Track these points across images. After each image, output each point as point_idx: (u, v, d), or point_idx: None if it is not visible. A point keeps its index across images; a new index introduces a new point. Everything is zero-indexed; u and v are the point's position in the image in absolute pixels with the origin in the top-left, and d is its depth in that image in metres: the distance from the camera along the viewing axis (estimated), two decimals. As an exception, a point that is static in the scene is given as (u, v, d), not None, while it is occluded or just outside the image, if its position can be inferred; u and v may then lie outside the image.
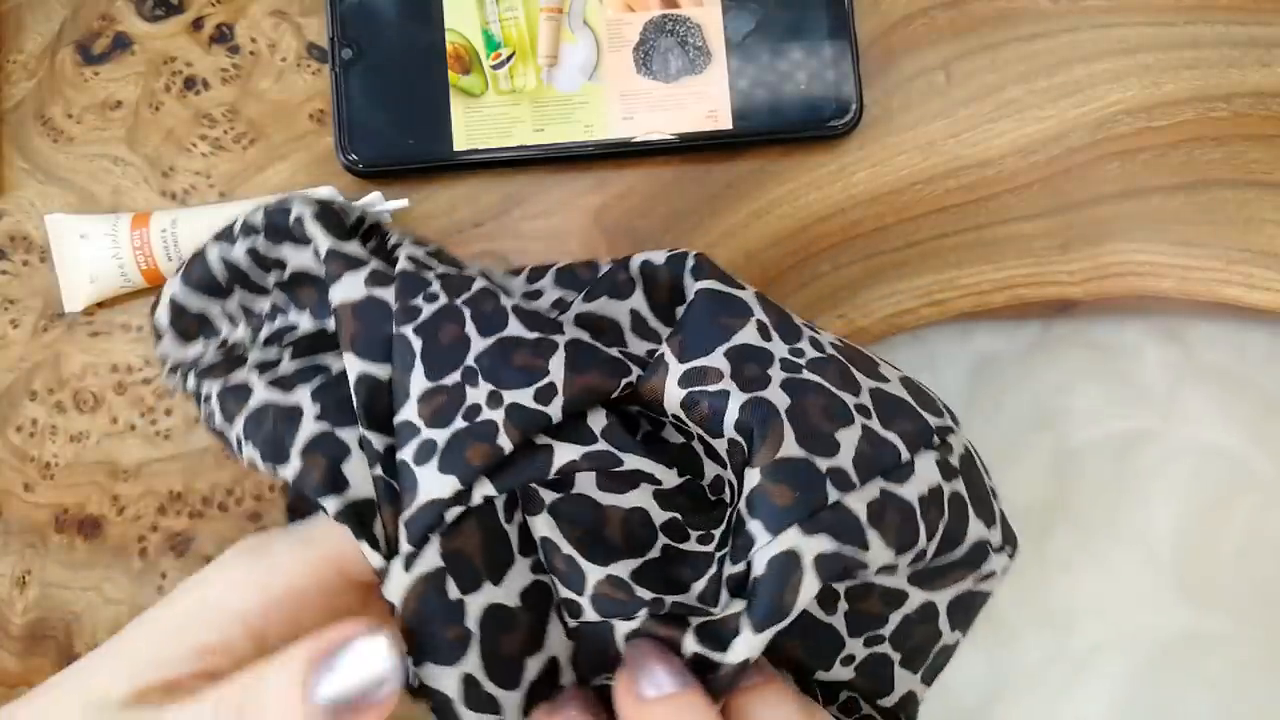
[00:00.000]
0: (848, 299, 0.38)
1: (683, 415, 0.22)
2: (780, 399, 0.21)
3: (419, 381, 0.22)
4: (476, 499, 0.21)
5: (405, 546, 0.21)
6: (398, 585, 0.20)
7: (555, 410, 0.21)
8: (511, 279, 0.27)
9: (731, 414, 0.21)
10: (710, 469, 0.24)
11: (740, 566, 0.21)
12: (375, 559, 0.21)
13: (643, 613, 0.21)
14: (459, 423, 0.21)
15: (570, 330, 0.24)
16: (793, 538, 0.20)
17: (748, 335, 0.23)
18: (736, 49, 0.37)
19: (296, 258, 0.24)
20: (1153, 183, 0.38)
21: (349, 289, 0.22)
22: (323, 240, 0.23)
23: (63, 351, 0.37)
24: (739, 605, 0.20)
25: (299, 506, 0.25)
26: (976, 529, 0.23)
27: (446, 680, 0.20)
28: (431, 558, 0.21)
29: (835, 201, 0.38)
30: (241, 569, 0.21)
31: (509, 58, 0.37)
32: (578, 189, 0.38)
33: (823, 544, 0.20)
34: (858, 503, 0.21)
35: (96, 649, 0.21)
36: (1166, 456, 0.40)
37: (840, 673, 0.24)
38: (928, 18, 0.38)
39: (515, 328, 0.23)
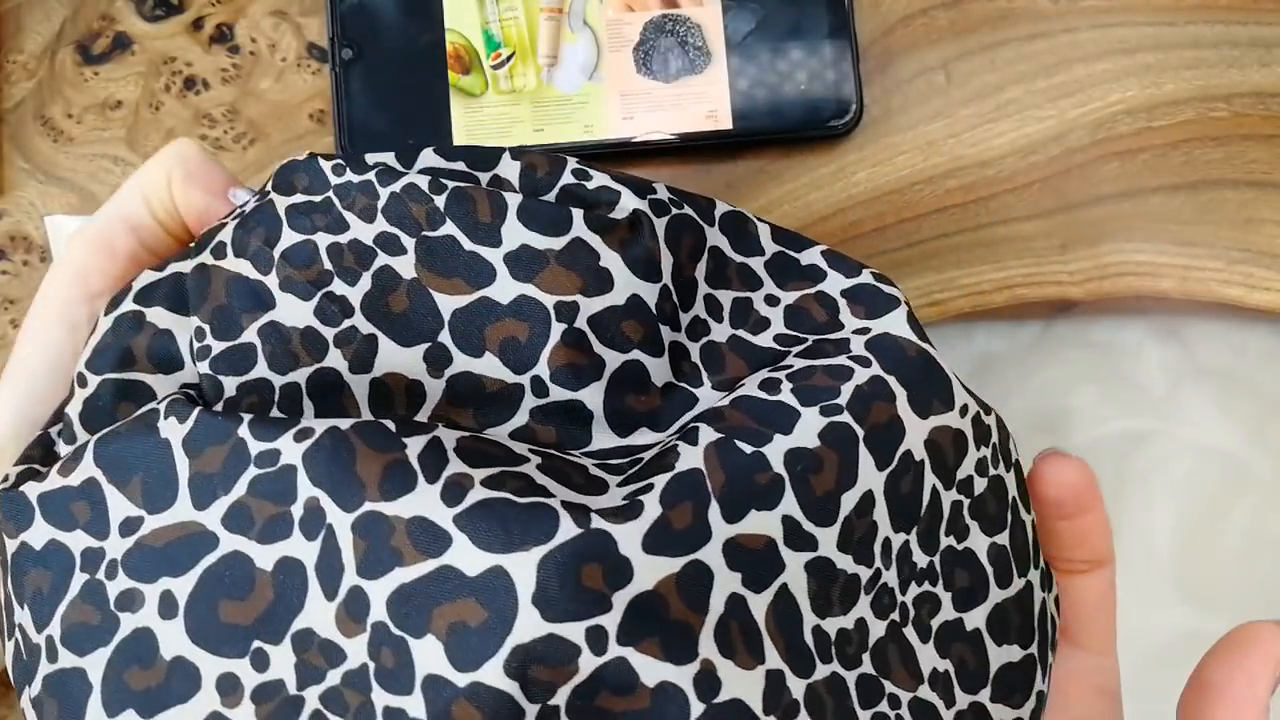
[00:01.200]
0: (848, 299, 0.38)
1: None
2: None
3: None
4: None
5: None
6: None
7: None
8: None
9: None
10: None
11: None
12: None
13: None
14: None
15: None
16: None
17: None
18: (736, 49, 0.37)
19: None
20: (1153, 183, 0.38)
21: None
22: None
23: (63, 351, 0.37)
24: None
25: None
26: None
27: None
28: None
29: (835, 202, 0.38)
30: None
31: (509, 58, 0.37)
32: (578, 189, 0.38)
33: None
34: None
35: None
36: (1166, 456, 0.40)
37: None
38: (928, 18, 0.38)
39: None
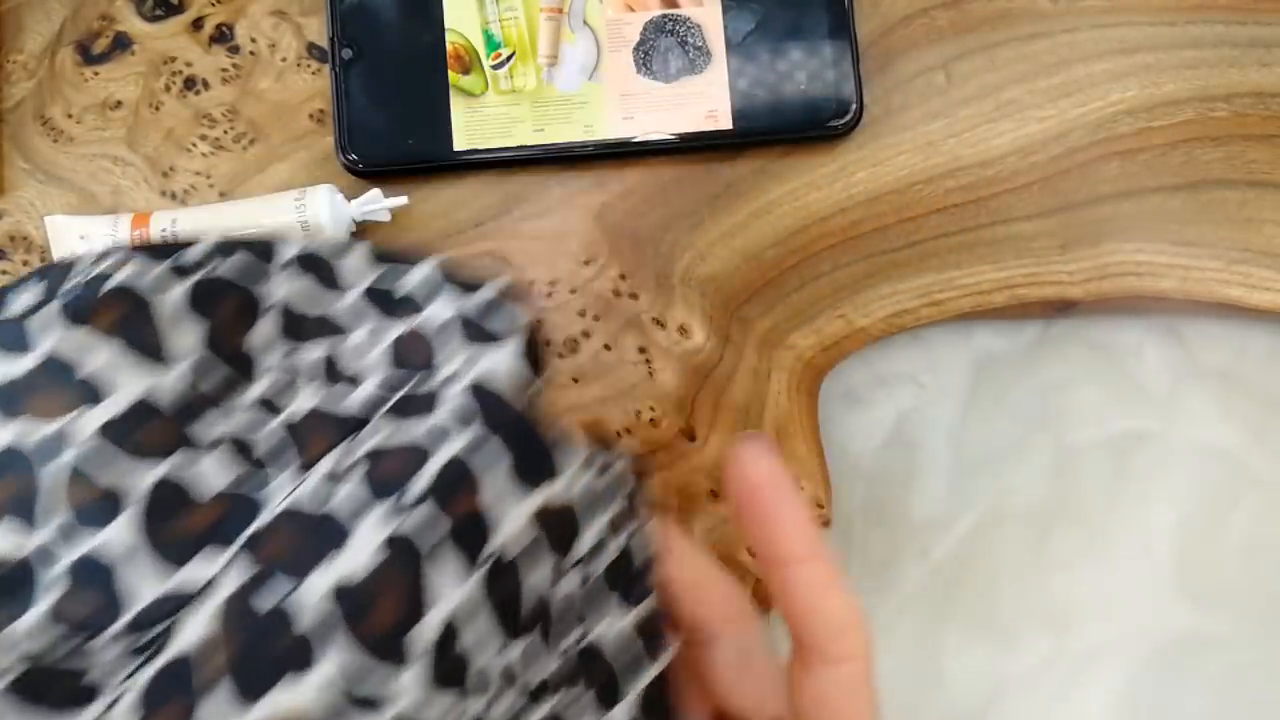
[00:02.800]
0: (848, 299, 0.38)
1: None
2: None
3: None
4: None
5: None
6: None
7: None
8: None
9: None
10: None
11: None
12: None
13: None
14: None
15: None
16: None
17: None
18: (736, 49, 0.37)
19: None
20: (1153, 183, 0.38)
21: None
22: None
23: (63, 351, 0.37)
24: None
25: None
26: None
27: None
28: None
29: (835, 201, 0.38)
30: None
31: (509, 58, 0.37)
32: (578, 189, 0.38)
33: None
34: None
35: None
36: (1166, 456, 0.40)
37: None
38: (928, 18, 0.38)
39: None
